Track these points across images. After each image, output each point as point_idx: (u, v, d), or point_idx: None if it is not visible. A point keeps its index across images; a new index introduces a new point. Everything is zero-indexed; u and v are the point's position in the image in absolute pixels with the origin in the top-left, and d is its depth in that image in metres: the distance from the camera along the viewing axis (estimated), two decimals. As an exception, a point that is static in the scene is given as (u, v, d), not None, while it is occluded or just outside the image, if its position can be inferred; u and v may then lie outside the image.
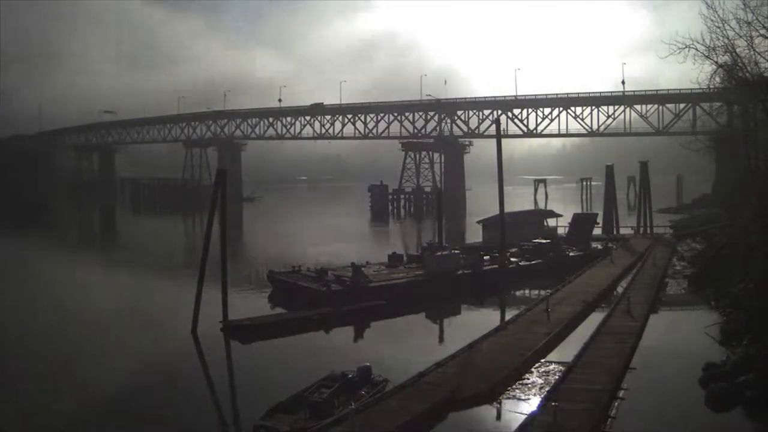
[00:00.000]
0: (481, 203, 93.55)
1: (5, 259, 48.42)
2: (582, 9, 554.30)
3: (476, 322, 25.92)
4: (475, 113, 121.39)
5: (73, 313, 29.12)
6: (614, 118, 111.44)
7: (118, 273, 43.55)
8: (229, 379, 19.57)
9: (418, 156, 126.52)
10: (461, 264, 34.69)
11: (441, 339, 25.02)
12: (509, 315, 25.65)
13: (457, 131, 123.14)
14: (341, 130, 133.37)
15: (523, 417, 13.62)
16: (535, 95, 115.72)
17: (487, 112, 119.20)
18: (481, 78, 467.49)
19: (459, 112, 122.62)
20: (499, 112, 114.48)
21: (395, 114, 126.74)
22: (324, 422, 13.47)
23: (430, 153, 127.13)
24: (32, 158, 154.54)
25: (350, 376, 16.46)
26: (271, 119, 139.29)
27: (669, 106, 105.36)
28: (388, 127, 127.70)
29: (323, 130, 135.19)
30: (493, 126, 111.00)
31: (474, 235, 52.81)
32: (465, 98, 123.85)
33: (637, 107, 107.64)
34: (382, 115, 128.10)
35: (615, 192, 55.08)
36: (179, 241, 66.95)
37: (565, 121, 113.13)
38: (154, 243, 62.89)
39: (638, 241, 49.80)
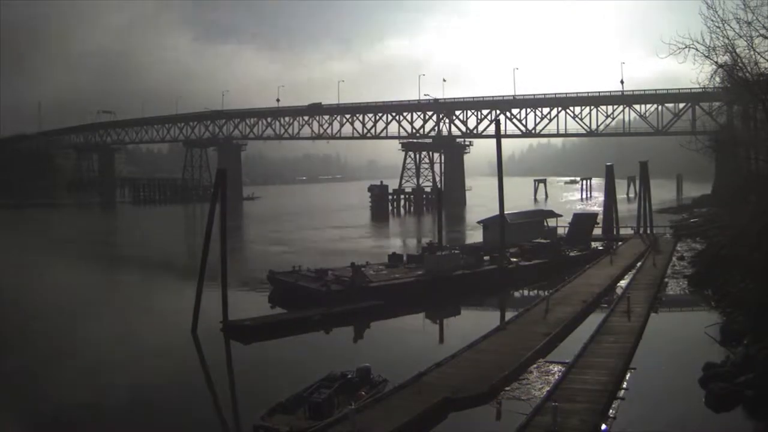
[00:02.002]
0: (480, 203, 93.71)
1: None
2: (581, 8, 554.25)
3: (476, 322, 25.92)
4: (473, 113, 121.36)
5: (69, 310, 29.15)
6: (613, 118, 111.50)
7: (117, 271, 43.56)
8: (229, 379, 19.56)
9: (418, 156, 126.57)
10: (461, 264, 34.69)
11: (441, 339, 25.01)
12: (509, 315, 25.64)
13: (455, 131, 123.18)
14: (339, 130, 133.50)
15: (523, 417, 13.61)
16: (534, 95, 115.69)
17: (485, 112, 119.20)
18: (479, 78, 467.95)
19: (457, 112, 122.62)
20: (498, 112, 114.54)
21: (393, 114, 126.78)
22: (324, 422, 13.46)
23: (430, 153, 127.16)
24: (32, 158, 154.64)
25: (350, 376, 16.45)
26: (269, 119, 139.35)
27: (668, 105, 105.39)
28: (386, 127, 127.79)
29: (321, 130, 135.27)
30: (491, 126, 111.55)
31: (474, 235, 52.83)
32: (463, 98, 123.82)
33: (636, 107, 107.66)
34: (380, 115, 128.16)
35: (615, 192, 55.07)
36: (179, 239, 66.85)
37: (563, 121, 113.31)
38: (154, 240, 62.79)
39: (638, 241, 49.81)
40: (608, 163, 56.01)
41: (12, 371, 19.87)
